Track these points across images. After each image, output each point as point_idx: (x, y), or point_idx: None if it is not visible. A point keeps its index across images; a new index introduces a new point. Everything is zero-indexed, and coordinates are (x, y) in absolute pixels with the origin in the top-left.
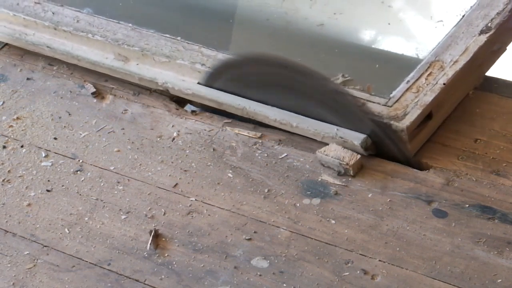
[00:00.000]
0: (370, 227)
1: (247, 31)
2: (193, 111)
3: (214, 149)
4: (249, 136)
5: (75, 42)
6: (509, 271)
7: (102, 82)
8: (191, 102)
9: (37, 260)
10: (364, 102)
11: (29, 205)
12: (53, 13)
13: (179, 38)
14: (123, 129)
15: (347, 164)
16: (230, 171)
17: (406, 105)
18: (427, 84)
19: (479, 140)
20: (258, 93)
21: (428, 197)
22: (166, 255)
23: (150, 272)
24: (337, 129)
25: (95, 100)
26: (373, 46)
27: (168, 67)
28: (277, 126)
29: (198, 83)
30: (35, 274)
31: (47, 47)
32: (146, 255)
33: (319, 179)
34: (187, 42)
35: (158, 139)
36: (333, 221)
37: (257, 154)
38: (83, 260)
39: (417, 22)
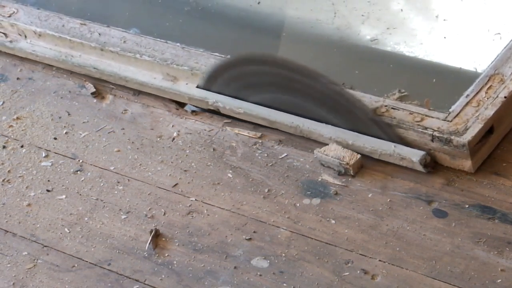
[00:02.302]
0: (370, 227)
1: (298, 47)
2: (193, 111)
3: (214, 149)
4: (249, 136)
5: (122, 63)
6: (509, 271)
7: (102, 82)
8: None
9: (37, 260)
10: (363, 101)
11: (29, 205)
12: (99, 34)
13: (229, 56)
14: (123, 129)
15: (347, 163)
16: (230, 171)
17: (466, 119)
18: (487, 98)
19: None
20: (256, 93)
21: (428, 197)
22: (166, 255)
23: (150, 272)
24: (395, 146)
25: (95, 100)
26: (429, 60)
27: None
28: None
29: (197, 86)
30: (35, 274)
31: (94, 68)
32: (146, 255)
33: (319, 179)
34: None
35: (158, 139)
36: (333, 221)
37: (257, 154)
38: (83, 260)
39: (474, 35)
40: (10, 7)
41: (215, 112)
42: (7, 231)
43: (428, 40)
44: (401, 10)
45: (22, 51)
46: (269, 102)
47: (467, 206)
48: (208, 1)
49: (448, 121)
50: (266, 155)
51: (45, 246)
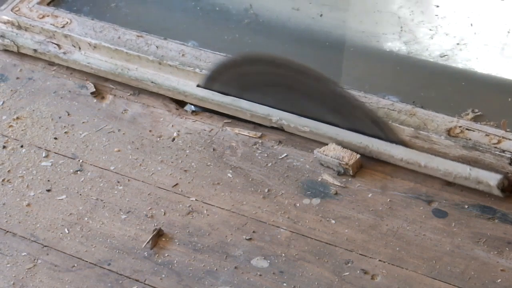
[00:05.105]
0: (370, 227)
1: (363, 62)
2: (193, 111)
3: (214, 149)
4: (249, 136)
5: (181, 77)
6: (509, 271)
7: (102, 82)
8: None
9: (37, 260)
10: (363, 102)
11: (29, 205)
12: (157, 46)
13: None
14: (123, 129)
15: (346, 164)
16: (230, 171)
17: None
18: None
19: None
20: (257, 93)
21: (428, 197)
22: (166, 255)
23: (150, 272)
24: (470, 169)
25: (95, 100)
26: (503, 78)
27: None
28: (403, 166)
29: (198, 85)
30: (35, 274)
31: (152, 82)
32: (146, 255)
33: (319, 179)
34: None
35: (158, 139)
36: (333, 221)
37: (257, 154)
38: (83, 260)
39: None
40: (63, 18)
41: (215, 112)
42: (7, 231)
43: (501, 56)
44: (471, 24)
45: (77, 63)
46: (270, 102)
47: (467, 206)
48: (268, 13)
49: None
50: (266, 155)
51: (45, 246)
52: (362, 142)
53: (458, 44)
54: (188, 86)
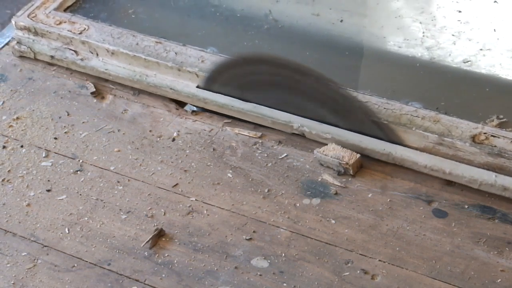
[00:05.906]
0: (370, 227)
1: (385, 68)
2: (193, 111)
3: (214, 149)
4: (249, 136)
5: (201, 84)
6: (509, 271)
7: (102, 82)
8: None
9: (37, 260)
10: (363, 102)
11: (29, 205)
12: (175, 53)
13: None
14: (123, 129)
15: (346, 163)
16: (230, 171)
17: None
18: None
19: None
20: (257, 93)
21: (428, 197)
22: (166, 255)
23: (150, 272)
24: (496, 176)
25: (95, 100)
26: None
27: None
28: (428, 173)
29: (197, 86)
30: (35, 274)
31: (171, 89)
32: (146, 255)
33: (319, 179)
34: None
35: (158, 139)
36: (333, 221)
37: (257, 154)
38: (83, 260)
39: None
40: (80, 24)
41: (215, 112)
42: (7, 231)
43: None
44: (494, 30)
45: (94, 69)
46: (270, 102)
47: (467, 206)
48: (288, 19)
49: None
50: (266, 155)
51: (45, 246)
52: (385, 149)
53: (481, 49)
54: (207, 92)
